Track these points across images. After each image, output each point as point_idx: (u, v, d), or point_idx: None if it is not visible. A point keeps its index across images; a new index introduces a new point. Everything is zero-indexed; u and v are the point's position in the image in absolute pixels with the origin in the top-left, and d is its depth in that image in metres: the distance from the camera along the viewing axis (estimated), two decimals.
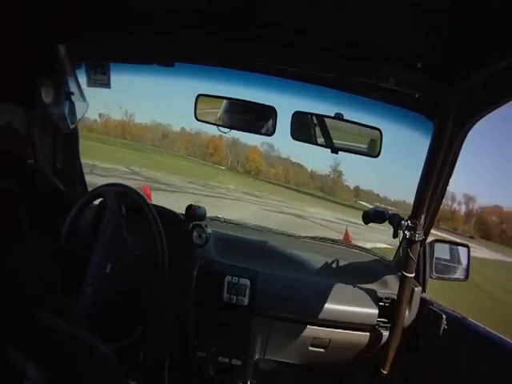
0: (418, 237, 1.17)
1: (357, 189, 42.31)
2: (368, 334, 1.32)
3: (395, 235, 1.25)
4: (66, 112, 1.17)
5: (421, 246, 1.26)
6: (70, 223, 1.17)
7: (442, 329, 1.21)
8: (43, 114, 1.07)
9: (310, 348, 1.38)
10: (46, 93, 1.03)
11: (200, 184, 15.60)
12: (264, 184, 26.95)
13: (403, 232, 1.20)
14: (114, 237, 1.13)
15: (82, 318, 1.00)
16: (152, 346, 1.30)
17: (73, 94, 1.18)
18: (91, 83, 1.24)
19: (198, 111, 1.24)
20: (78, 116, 1.23)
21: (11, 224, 0.84)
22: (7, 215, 0.83)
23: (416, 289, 1.30)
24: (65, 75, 1.15)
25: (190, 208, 1.33)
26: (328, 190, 39.04)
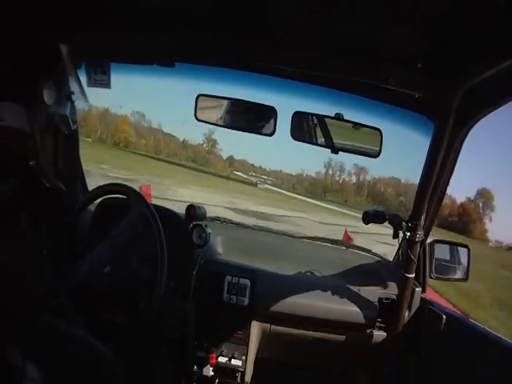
0: (419, 237, 1.17)
1: (230, 159, 41.44)
2: (368, 334, 1.31)
3: (395, 236, 1.25)
4: (68, 112, 1.17)
5: (421, 247, 1.25)
6: (85, 203, 1.19)
7: (441, 329, 1.21)
8: (44, 114, 1.07)
9: (310, 348, 1.38)
10: (48, 94, 1.03)
11: None
12: (127, 155, 23.21)
13: (403, 232, 1.20)
14: (125, 243, 1.13)
15: (66, 291, 0.98)
16: (151, 346, 1.30)
17: (73, 94, 1.18)
18: (91, 83, 1.24)
19: (198, 111, 1.24)
20: (79, 116, 1.23)
21: (11, 225, 0.84)
22: (7, 216, 0.83)
23: (416, 289, 1.30)
24: (66, 75, 1.15)
25: (190, 208, 1.34)
26: (201, 160, 37.46)
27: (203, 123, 1.25)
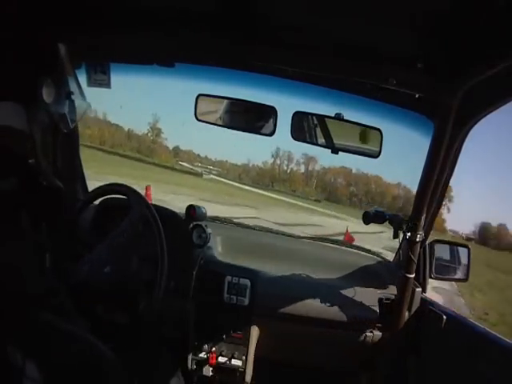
0: (419, 237, 1.17)
1: (176, 149, 41.64)
2: (368, 334, 1.31)
3: (395, 236, 1.25)
4: (67, 111, 1.17)
5: (421, 247, 1.25)
6: (85, 203, 1.21)
7: (442, 329, 1.21)
8: (44, 113, 1.07)
9: (310, 348, 1.38)
10: (47, 92, 1.03)
11: None
12: None
13: (403, 233, 1.20)
14: (125, 243, 1.13)
15: (67, 290, 0.98)
16: (151, 346, 1.30)
17: (73, 93, 1.18)
18: (91, 83, 1.24)
19: (198, 111, 1.24)
20: (78, 115, 1.23)
21: (12, 223, 0.84)
22: (7, 214, 0.83)
23: (416, 289, 1.30)
24: (65, 75, 1.15)
25: (190, 208, 1.34)
26: (146, 150, 37.40)
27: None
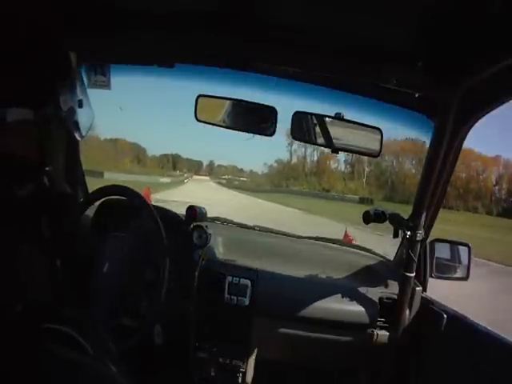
0: (419, 236, 1.17)
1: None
2: (369, 333, 1.31)
3: (396, 235, 1.25)
4: (80, 118, 1.16)
5: (421, 246, 1.25)
6: (87, 204, 1.22)
7: (442, 328, 1.21)
8: (58, 119, 1.07)
9: (311, 348, 1.38)
10: (64, 99, 1.02)
11: None
12: None
13: (404, 232, 1.20)
14: (127, 244, 1.13)
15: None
16: (153, 347, 1.30)
17: (86, 99, 1.17)
18: (91, 85, 1.24)
19: (198, 111, 1.24)
20: (90, 122, 1.22)
21: (29, 230, 0.84)
22: (26, 221, 0.83)
23: (417, 288, 1.30)
24: (77, 80, 1.14)
25: (190, 209, 1.34)
26: None
27: None
